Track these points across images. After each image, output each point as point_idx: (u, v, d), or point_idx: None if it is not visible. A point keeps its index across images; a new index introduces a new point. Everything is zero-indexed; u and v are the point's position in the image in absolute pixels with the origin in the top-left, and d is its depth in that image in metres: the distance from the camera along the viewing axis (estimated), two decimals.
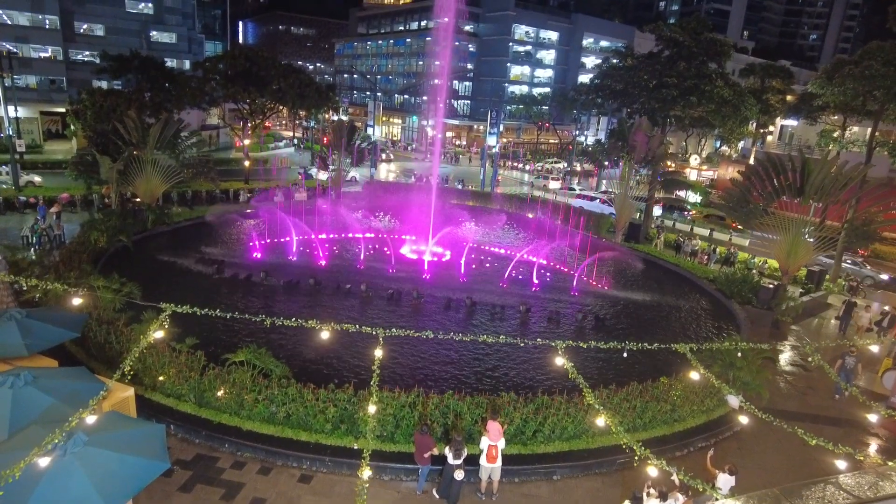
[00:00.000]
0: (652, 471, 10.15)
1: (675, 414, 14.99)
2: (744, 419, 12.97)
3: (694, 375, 13.54)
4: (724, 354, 15.75)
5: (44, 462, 7.66)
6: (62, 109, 57.30)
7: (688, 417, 15.22)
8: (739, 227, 39.73)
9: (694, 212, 47.16)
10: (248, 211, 34.90)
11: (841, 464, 10.68)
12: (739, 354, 15.69)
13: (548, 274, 28.05)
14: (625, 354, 14.17)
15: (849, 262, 33.99)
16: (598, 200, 46.83)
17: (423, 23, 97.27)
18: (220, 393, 13.42)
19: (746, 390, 15.38)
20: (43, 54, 59.85)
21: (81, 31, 62.81)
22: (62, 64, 60.26)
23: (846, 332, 23.75)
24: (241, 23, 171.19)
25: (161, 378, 13.93)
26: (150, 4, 67.11)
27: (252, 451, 12.85)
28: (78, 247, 23.16)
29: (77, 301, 14.35)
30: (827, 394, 18.40)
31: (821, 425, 16.04)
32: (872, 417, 13.24)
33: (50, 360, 12.80)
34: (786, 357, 21.33)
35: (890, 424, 15.51)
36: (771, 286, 25.05)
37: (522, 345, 16.37)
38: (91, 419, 8.65)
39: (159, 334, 10.66)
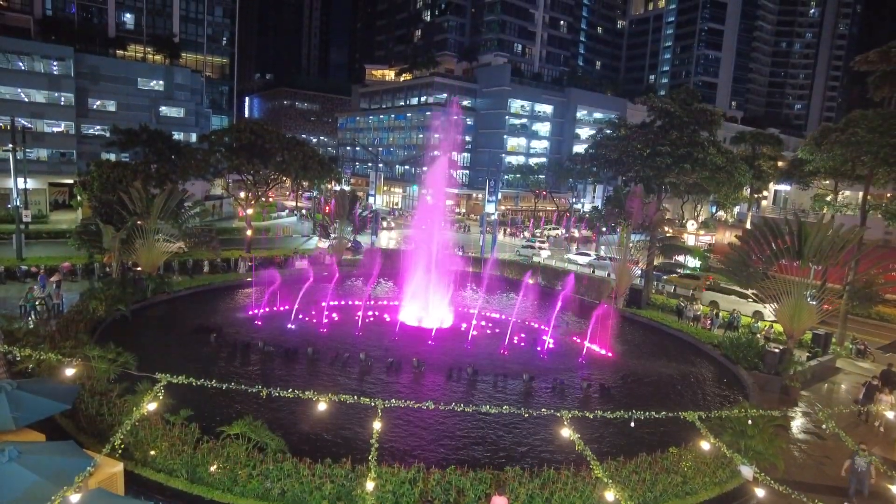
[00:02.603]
0: None
1: (686, 486, 14.32)
2: (760, 492, 12.38)
3: (704, 445, 13.08)
4: (734, 422, 15.25)
5: None
6: (70, 181, 58.74)
7: (700, 490, 14.53)
8: (710, 284, 39.93)
9: (672, 276, 47.00)
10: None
11: None
12: (750, 422, 15.19)
13: (549, 340, 27.69)
14: (632, 424, 13.75)
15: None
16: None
17: (423, 98, 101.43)
18: (213, 468, 12.90)
19: (760, 460, 14.77)
20: (56, 129, 61.93)
21: (94, 107, 65.37)
22: (73, 138, 62.22)
23: (868, 418, 21.30)
24: (247, 98, 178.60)
25: (152, 452, 13.42)
26: (160, 82, 70.22)
27: None
28: (75, 316, 22.98)
29: (70, 372, 14.06)
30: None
31: (840, 497, 15.30)
32: (895, 489, 12.64)
33: (37, 434, 12.38)
34: (798, 424, 20.67)
35: None
36: (777, 350, 24.66)
37: (526, 415, 15.88)
38: (75, 498, 8.26)
39: (153, 406, 10.38)
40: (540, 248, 57.41)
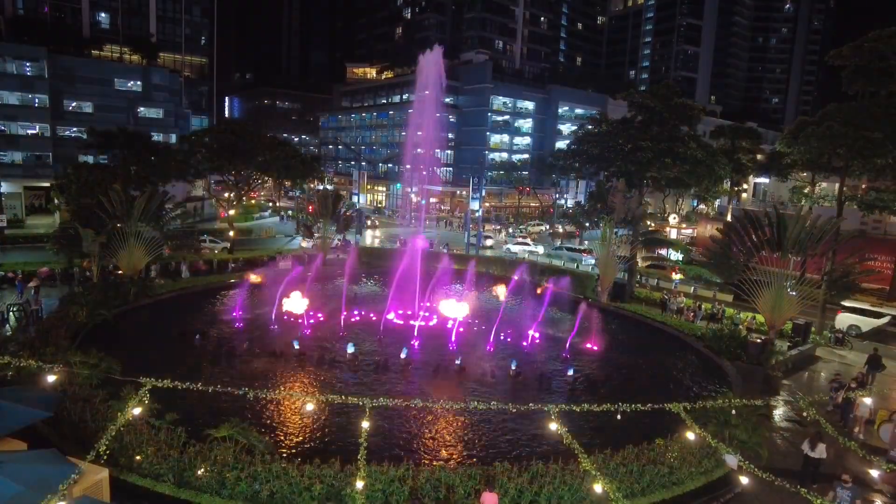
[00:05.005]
0: None
1: (673, 477, 14.52)
2: (744, 479, 12.61)
3: (690, 435, 13.27)
4: (718, 412, 15.49)
5: None
6: (47, 184, 57.62)
7: (687, 480, 14.74)
8: (678, 274, 40.56)
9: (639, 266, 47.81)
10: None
11: None
12: (734, 412, 15.45)
13: (535, 336, 27.82)
14: (618, 416, 13.90)
15: None
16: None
17: (405, 96, 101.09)
18: (200, 472, 12.77)
19: (744, 449, 15.02)
20: (30, 131, 60.64)
21: (70, 108, 64.14)
22: (49, 140, 60.97)
23: (849, 423, 19.58)
24: (227, 98, 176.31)
25: (138, 458, 13.25)
26: (138, 82, 69.10)
27: None
28: (56, 321, 22.56)
29: (51, 378, 13.83)
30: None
31: (822, 483, 15.62)
32: (874, 473, 12.96)
33: (19, 443, 12.15)
34: (780, 413, 21.04)
35: (893, 479, 15.15)
36: (759, 341, 25.07)
37: (514, 410, 15.95)
38: None
39: (137, 411, 10.25)
40: (487, 237, 60.19)
